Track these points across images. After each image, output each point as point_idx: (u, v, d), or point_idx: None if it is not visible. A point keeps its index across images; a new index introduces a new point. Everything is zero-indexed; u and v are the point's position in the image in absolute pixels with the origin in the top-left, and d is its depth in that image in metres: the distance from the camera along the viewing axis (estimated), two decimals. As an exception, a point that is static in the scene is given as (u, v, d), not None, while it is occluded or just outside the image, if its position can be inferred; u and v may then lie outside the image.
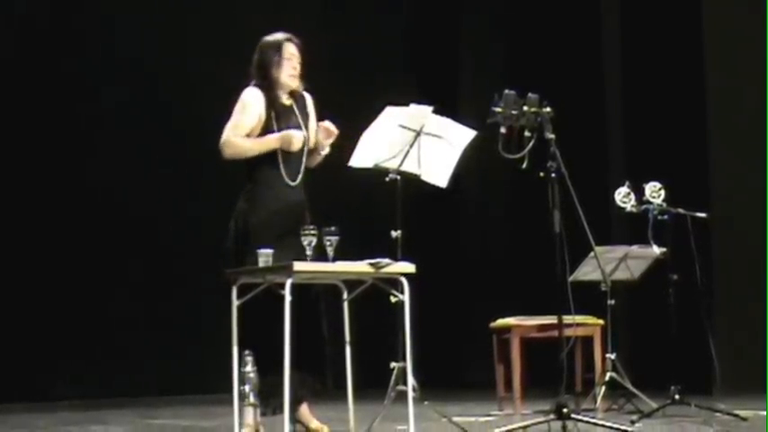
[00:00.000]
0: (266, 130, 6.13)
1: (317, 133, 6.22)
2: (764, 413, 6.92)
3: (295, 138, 6.09)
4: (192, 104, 10.30)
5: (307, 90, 6.32)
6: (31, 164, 9.95)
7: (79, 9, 10.30)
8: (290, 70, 6.18)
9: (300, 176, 6.17)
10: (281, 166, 6.12)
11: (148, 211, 10.23)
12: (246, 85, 6.22)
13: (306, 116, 6.28)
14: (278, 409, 5.87)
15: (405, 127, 6.34)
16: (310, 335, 5.96)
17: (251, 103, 6.14)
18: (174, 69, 10.44)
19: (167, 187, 10.28)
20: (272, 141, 6.09)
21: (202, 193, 10.13)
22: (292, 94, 6.27)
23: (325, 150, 6.22)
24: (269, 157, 6.10)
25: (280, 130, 6.12)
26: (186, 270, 9.95)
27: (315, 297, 6.10)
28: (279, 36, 6.24)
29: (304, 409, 6.16)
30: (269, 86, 6.18)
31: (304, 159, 6.19)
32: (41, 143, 9.99)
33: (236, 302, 5.78)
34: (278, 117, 6.14)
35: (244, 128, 6.11)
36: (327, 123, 6.17)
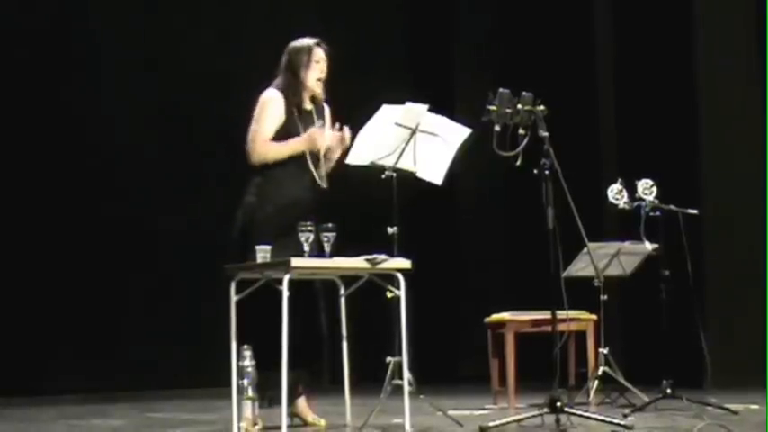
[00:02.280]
0: (288, 132, 6.21)
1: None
2: (755, 407, 6.97)
3: (319, 136, 6.17)
4: (193, 103, 10.36)
5: (326, 100, 6.40)
6: (33, 160, 9.99)
7: (88, 19, 10.39)
8: (317, 74, 6.27)
9: (320, 180, 6.26)
10: (311, 167, 6.23)
11: (149, 207, 10.26)
12: (266, 87, 6.28)
13: (323, 125, 6.35)
14: (274, 401, 5.94)
15: (401, 125, 6.35)
16: (308, 330, 6.02)
17: (272, 107, 6.21)
18: (172, 69, 10.47)
19: (168, 184, 10.31)
20: (298, 144, 6.18)
21: (203, 190, 10.17)
22: (313, 100, 6.34)
23: (336, 155, 6.30)
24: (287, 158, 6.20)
25: (301, 133, 6.20)
26: (187, 265, 9.99)
27: (315, 293, 6.16)
28: (309, 40, 6.32)
29: (301, 403, 6.24)
30: (295, 89, 6.25)
31: (322, 163, 6.27)
32: (42, 142, 10.03)
33: (234, 297, 5.84)
34: (301, 122, 6.22)
35: (268, 133, 6.19)
36: (345, 132, 6.23)
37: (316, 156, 6.24)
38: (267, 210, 6.15)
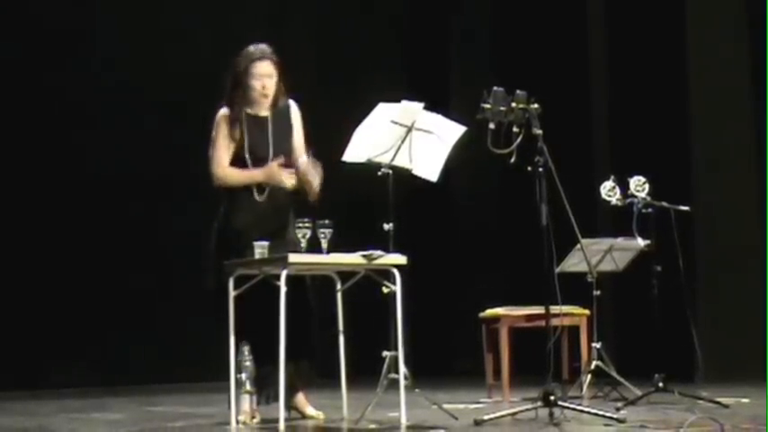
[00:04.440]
0: (238, 146, 6.27)
1: (303, 166, 6.31)
2: (746, 400, 7.02)
3: (277, 172, 6.21)
4: (193, 101, 10.36)
5: (294, 98, 6.42)
6: (34, 158, 10.03)
7: (77, 9, 10.41)
8: (258, 89, 6.28)
9: (267, 190, 6.29)
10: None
11: (148, 203, 10.30)
12: (221, 103, 6.33)
13: (288, 126, 6.39)
14: (271, 398, 6.01)
15: (396, 123, 6.35)
16: (300, 325, 6.04)
17: (222, 127, 6.28)
18: (169, 68, 10.51)
19: (167, 179, 10.34)
20: (256, 175, 6.25)
21: (202, 186, 10.17)
22: (273, 104, 6.36)
23: (315, 183, 6.31)
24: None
25: (249, 143, 6.26)
26: (186, 260, 9.89)
27: (306, 288, 6.21)
28: (252, 52, 6.31)
29: (299, 397, 6.30)
30: (237, 99, 6.28)
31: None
32: (43, 141, 10.07)
33: (232, 293, 5.89)
34: (248, 131, 6.27)
35: (224, 158, 6.27)
36: (307, 168, 6.27)
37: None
38: (247, 218, 6.22)
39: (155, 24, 10.60)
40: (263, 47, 6.36)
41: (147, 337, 10.07)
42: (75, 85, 10.28)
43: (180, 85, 10.42)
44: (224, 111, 6.33)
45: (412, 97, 6.47)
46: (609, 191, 7.34)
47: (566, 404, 5.83)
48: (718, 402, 6.69)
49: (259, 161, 6.29)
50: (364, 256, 5.83)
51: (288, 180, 6.25)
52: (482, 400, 7.69)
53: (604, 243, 7.84)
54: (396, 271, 5.90)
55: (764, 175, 9.78)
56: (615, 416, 5.83)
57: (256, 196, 6.30)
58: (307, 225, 5.80)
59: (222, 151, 6.29)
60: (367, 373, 6.66)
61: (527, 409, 5.91)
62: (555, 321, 6.17)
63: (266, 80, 6.31)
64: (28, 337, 9.76)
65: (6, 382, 9.33)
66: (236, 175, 6.29)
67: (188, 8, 10.78)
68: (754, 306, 9.78)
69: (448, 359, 11.23)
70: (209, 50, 10.63)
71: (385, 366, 6.23)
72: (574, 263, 7.70)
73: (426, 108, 6.44)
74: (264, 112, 6.37)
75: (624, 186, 7.25)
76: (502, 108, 5.93)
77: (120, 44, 10.48)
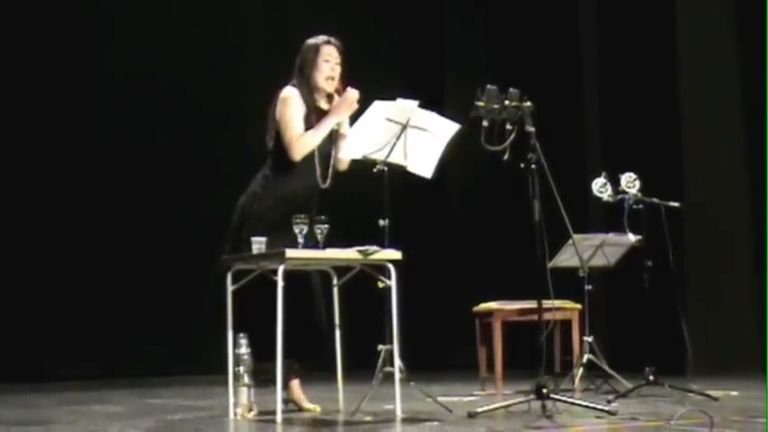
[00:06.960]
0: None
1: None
2: (735, 393, 7.08)
3: (349, 97, 6.26)
4: (189, 98, 10.44)
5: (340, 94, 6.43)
6: (36, 150, 10.08)
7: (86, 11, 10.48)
8: (327, 72, 6.34)
9: (329, 180, 6.35)
10: (317, 166, 6.33)
11: (149, 197, 10.34)
12: (283, 85, 6.34)
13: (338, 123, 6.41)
14: (269, 382, 5.95)
15: (392, 120, 6.34)
16: (305, 320, 6.10)
17: (293, 103, 6.25)
18: (172, 67, 10.55)
19: (168, 173, 10.39)
20: (330, 121, 6.27)
21: (202, 181, 10.24)
22: (330, 98, 6.39)
23: (346, 129, 6.37)
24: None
25: None
26: (186, 255, 10.04)
27: (312, 284, 6.25)
28: (318, 38, 6.38)
29: (297, 390, 6.33)
30: (306, 88, 6.31)
31: (332, 162, 6.38)
32: (47, 134, 10.13)
33: (230, 288, 5.93)
34: (309, 119, 6.28)
35: (299, 130, 6.23)
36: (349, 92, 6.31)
37: (324, 156, 6.36)
38: (267, 202, 6.23)
39: (162, 23, 10.66)
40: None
41: (147, 331, 10.11)
42: (76, 81, 10.33)
43: (184, 82, 10.50)
44: (292, 91, 6.31)
45: (407, 95, 6.48)
46: (600, 187, 7.36)
47: (558, 397, 5.86)
48: (707, 395, 6.74)
49: (323, 157, 6.35)
50: (360, 251, 5.86)
51: (353, 98, 6.27)
52: (476, 392, 7.71)
53: (596, 238, 7.88)
54: (391, 266, 5.93)
55: (762, 173, 9.84)
56: (606, 408, 5.88)
57: (320, 182, 6.33)
58: (304, 221, 5.81)
59: (298, 126, 6.24)
60: (363, 366, 6.70)
61: (520, 402, 5.95)
62: (547, 315, 6.20)
63: (334, 64, 6.37)
64: (28, 330, 9.79)
65: (7, 374, 9.36)
66: (314, 136, 6.26)
67: (190, 10, 10.83)
68: (743, 300, 9.87)
69: (442, 352, 11.28)
70: (205, 41, 10.72)
71: (380, 360, 6.26)
72: (566, 258, 7.76)
73: (421, 106, 6.44)
74: (326, 105, 6.40)
75: (615, 183, 7.29)
76: (495, 106, 5.96)
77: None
